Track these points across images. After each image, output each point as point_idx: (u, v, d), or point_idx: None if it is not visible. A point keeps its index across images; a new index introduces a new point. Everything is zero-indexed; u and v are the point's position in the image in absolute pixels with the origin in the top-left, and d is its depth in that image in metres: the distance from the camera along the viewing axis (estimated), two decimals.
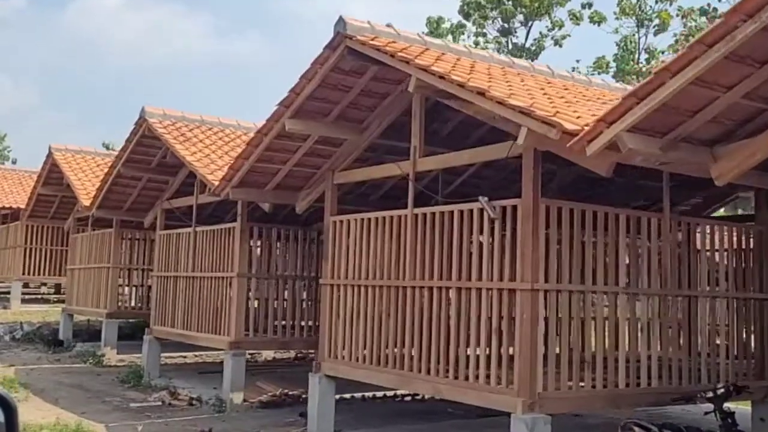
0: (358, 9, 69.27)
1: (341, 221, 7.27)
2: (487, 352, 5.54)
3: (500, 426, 5.69)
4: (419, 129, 6.37)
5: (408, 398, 9.64)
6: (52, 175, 14.11)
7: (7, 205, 18.75)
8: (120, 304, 12.93)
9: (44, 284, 25.20)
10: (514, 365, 5.24)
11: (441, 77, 5.01)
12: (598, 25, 31.26)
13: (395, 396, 9.57)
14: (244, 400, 8.76)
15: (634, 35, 30.36)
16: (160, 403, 9.21)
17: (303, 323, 9.48)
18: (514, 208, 5.42)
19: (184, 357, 13.28)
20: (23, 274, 19.36)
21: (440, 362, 5.89)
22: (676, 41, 27.22)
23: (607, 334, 5.66)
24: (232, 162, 7.53)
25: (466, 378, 5.64)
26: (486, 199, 5.54)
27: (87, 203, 11.75)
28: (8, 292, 23.30)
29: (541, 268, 5.21)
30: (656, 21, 28.94)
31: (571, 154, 4.59)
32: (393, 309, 6.48)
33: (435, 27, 32.65)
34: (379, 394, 9.45)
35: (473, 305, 5.66)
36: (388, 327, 6.52)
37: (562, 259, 5.32)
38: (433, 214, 6.15)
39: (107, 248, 12.89)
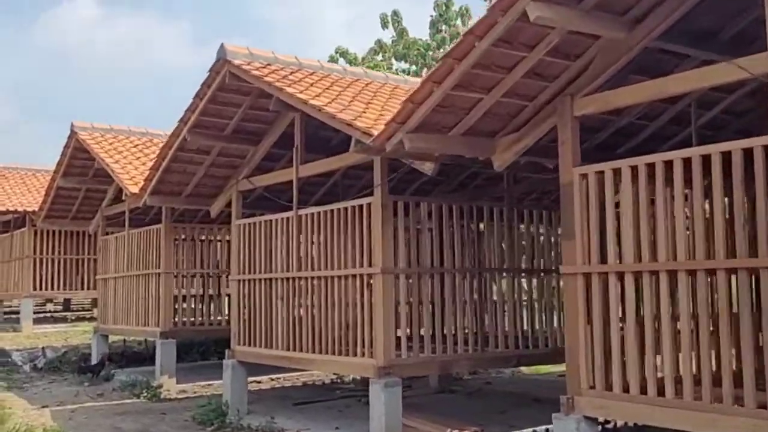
0: (333, 15, 67.48)
1: (598, 173, 4.63)
2: None
3: None
4: None
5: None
6: (74, 161, 11.34)
7: (11, 208, 15.89)
8: (176, 319, 10.22)
9: (49, 300, 22.37)
10: None
11: None
12: None
13: None
14: None
15: None
16: None
17: (467, 331, 6.80)
18: None
19: (258, 382, 10.58)
20: (34, 289, 16.58)
21: None
22: None
23: None
24: (410, 96, 4.83)
25: None
26: None
27: (135, 190, 9.03)
28: (17, 312, 20.56)
29: None
30: None
31: None
32: (745, 307, 3.87)
33: None
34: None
35: None
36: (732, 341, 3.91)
37: None
38: None
39: (155, 249, 10.16)
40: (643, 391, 4.31)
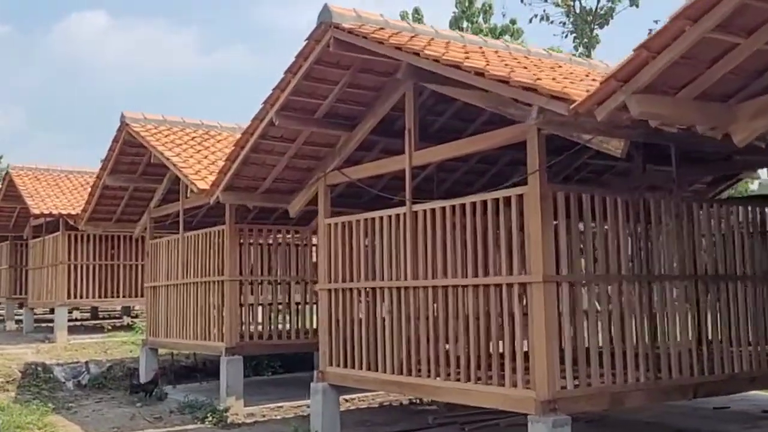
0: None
1: None
2: None
3: None
4: None
5: None
6: (123, 158, 10.15)
7: (46, 211, 14.74)
8: (242, 331, 8.96)
9: (76, 308, 21.25)
10: None
11: None
12: None
13: None
14: None
15: None
16: None
17: (639, 352, 5.46)
18: None
19: None
20: (69, 297, 15.43)
21: None
22: None
23: None
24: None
25: None
26: None
27: (202, 186, 7.82)
28: (46, 320, 19.42)
29: None
30: None
31: None
32: None
33: None
34: None
35: None
36: None
37: None
38: None
39: (217, 253, 8.94)
40: None
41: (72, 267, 15.40)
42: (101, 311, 21.91)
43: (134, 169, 10.51)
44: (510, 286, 5.26)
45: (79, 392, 10.73)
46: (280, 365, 11.65)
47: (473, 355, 5.49)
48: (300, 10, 76.50)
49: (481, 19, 31.21)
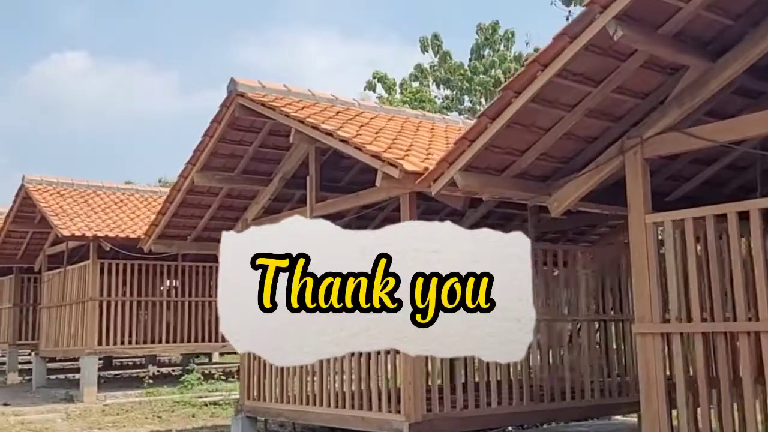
0: (318, 63, 66.36)
1: None
2: None
3: None
4: None
5: None
6: (223, 146, 7.15)
7: (77, 233, 11.58)
8: (429, 398, 5.91)
9: (77, 358, 17.84)
10: None
11: None
12: None
13: None
14: None
15: None
16: None
17: None
18: None
19: None
20: (99, 343, 12.19)
21: None
22: None
23: None
24: None
25: None
26: None
27: (409, 167, 4.83)
28: (62, 371, 16.05)
29: None
30: None
31: None
32: None
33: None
34: None
35: None
36: None
37: None
38: None
39: None
40: None
41: (104, 304, 12.26)
42: (116, 359, 18.50)
43: (232, 166, 7.54)
44: None
45: None
46: None
47: None
48: (281, 52, 75.58)
49: (502, 47, 29.51)
